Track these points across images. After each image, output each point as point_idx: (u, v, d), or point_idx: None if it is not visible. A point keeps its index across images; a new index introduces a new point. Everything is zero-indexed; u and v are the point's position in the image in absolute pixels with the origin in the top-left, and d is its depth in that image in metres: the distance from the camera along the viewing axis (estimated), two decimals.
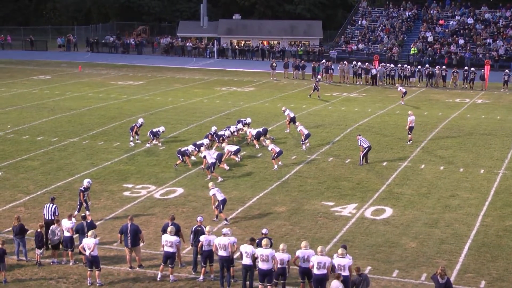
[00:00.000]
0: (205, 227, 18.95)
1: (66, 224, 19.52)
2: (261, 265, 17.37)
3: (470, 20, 75.23)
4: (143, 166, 29.50)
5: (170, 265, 18.49)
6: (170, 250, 18.47)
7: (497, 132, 37.12)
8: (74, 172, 28.33)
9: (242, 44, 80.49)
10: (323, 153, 31.91)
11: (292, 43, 79.93)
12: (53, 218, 20.26)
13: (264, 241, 17.54)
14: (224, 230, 18.34)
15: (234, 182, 27.28)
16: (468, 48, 69.99)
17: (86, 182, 22.97)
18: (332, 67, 58.62)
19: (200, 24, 79.22)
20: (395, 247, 20.60)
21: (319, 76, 50.70)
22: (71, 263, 19.37)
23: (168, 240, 18.47)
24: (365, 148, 29.81)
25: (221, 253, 18.05)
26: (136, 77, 59.32)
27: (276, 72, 59.24)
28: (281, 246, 17.48)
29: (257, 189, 26.34)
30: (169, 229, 18.68)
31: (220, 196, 22.75)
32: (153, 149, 32.35)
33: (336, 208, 24.17)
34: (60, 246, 19.69)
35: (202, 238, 18.51)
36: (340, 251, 17.08)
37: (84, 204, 22.67)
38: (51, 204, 20.70)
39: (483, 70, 55.27)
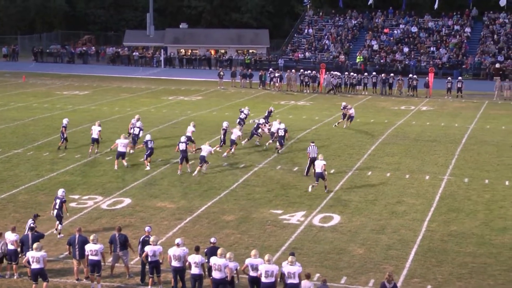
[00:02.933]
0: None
1: (10, 237, 19.14)
2: (215, 274, 17.36)
3: (414, 29, 76.64)
4: (89, 176, 29.15)
5: (97, 274, 18.39)
6: (95, 258, 18.36)
7: (441, 138, 37.81)
8: (19, 184, 27.81)
9: (189, 53, 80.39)
10: (271, 161, 32.02)
11: (239, 51, 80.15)
12: None
13: (219, 250, 17.53)
14: (178, 240, 18.29)
15: (182, 191, 27.17)
16: (412, 56, 71.27)
17: (62, 192, 22.49)
18: (279, 75, 59.03)
19: (146, 33, 78.84)
20: (343, 254, 20.78)
21: (349, 106, 40.75)
22: (15, 277, 18.99)
23: (92, 249, 18.36)
24: (309, 159, 29.49)
25: (175, 263, 17.99)
26: (82, 87, 58.63)
27: (223, 81, 59.34)
28: (228, 254, 17.47)
29: (206, 198, 26.28)
30: (91, 237, 18.60)
31: (318, 169, 26.90)
32: (100, 159, 32.00)
33: (285, 216, 24.27)
34: (4, 260, 19.29)
35: (147, 248, 18.41)
36: (290, 258, 17.15)
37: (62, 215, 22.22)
38: None
39: (427, 78, 56.33)
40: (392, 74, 58.21)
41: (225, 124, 34.12)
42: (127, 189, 27.32)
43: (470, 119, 44.27)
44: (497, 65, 67.09)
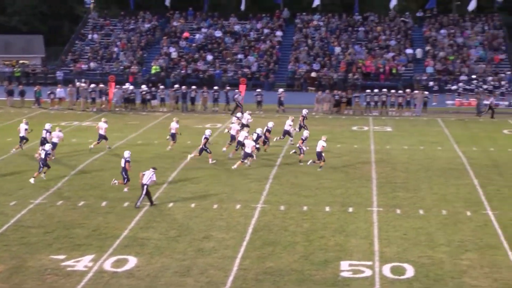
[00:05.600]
0: None
1: None
2: None
3: (219, 33, 78.49)
4: None
5: None
6: None
7: (253, 160, 38.79)
8: None
9: None
10: (51, 195, 31.31)
11: (7, 62, 77.88)
12: None
13: None
14: None
15: None
16: (217, 65, 72.84)
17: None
18: (58, 90, 58.26)
19: None
20: None
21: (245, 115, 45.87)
22: None
23: None
24: (141, 185, 29.82)
25: None
26: None
27: None
28: None
29: None
30: None
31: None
32: None
33: (68, 262, 23.76)
34: None
35: None
36: None
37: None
38: None
39: (236, 90, 57.73)
40: (194, 87, 59.11)
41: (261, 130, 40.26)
42: None
43: (285, 136, 45.86)
44: (313, 74, 70.38)
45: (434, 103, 60.33)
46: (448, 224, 27.94)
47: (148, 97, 57.78)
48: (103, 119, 42.04)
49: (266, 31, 79.02)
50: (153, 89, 58.95)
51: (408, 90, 59.79)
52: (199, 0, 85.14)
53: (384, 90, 58.85)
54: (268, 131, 41.51)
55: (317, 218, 28.76)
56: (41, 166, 33.72)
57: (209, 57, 74.46)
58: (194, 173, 35.78)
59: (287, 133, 43.38)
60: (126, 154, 32.18)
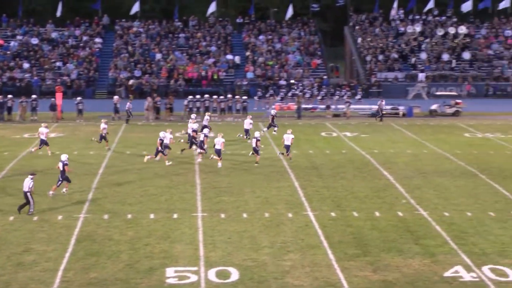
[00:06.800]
0: None
1: None
2: None
3: (35, 40, 76.65)
4: None
5: None
6: None
7: (76, 170, 38.08)
8: None
9: None
10: None
11: None
12: None
13: None
14: None
15: None
16: (35, 73, 71.06)
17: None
18: None
19: None
20: None
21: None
22: None
23: None
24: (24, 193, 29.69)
25: None
26: None
27: None
28: None
29: None
30: None
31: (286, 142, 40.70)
32: None
33: None
34: None
35: None
36: None
37: None
38: None
39: (53, 99, 56.65)
40: (11, 96, 57.44)
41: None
42: None
43: (108, 144, 45.35)
44: (131, 81, 70.01)
45: (255, 108, 61.48)
46: (271, 226, 28.52)
47: None
48: (43, 124, 42.76)
49: (85, 38, 77.94)
50: None
51: (230, 95, 60.89)
52: (13, 7, 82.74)
53: (206, 95, 59.56)
54: (195, 131, 43.08)
55: (142, 225, 28.60)
56: None
57: (26, 65, 72.61)
58: (14, 184, 34.68)
59: (247, 132, 46.47)
60: (64, 157, 32.76)
